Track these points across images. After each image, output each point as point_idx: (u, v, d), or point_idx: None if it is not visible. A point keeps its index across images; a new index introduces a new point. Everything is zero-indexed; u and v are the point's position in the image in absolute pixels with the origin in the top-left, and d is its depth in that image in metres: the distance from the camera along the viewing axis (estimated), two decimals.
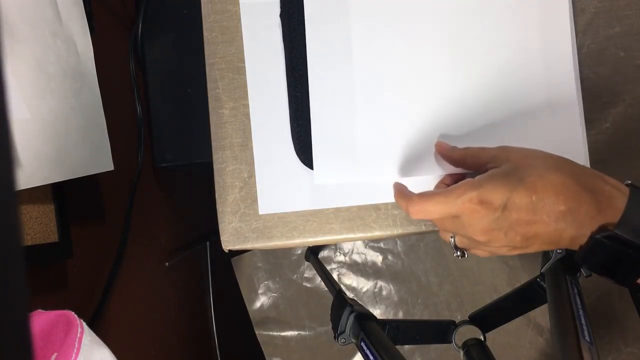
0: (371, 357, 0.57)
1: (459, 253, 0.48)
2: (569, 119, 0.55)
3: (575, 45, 0.56)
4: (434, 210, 0.43)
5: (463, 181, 0.43)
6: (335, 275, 1.24)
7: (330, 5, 0.56)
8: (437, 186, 0.53)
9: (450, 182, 0.51)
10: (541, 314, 1.19)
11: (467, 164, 0.48)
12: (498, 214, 0.40)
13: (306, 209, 0.57)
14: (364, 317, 0.64)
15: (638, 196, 0.39)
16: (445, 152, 0.51)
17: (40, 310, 0.47)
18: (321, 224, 0.57)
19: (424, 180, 0.56)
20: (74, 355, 0.42)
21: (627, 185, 0.40)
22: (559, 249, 0.63)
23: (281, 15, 0.57)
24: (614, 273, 0.40)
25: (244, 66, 0.57)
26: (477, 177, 0.42)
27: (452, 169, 0.53)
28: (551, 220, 0.39)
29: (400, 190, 0.46)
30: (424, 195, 0.43)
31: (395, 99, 0.56)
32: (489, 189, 0.40)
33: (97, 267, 0.76)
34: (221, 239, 0.57)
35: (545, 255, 0.65)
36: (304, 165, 0.57)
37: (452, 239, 0.47)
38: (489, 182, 0.41)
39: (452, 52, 0.56)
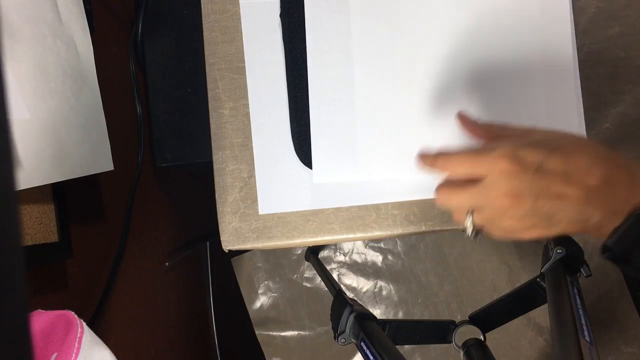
0: (371, 357, 0.57)
1: (473, 233, 0.45)
2: (565, 87, 0.54)
3: (572, 11, 0.56)
4: (462, 163, 0.41)
5: (492, 144, 0.41)
6: (335, 275, 1.24)
7: (330, 5, 0.56)
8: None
9: None
10: (541, 314, 1.19)
11: (494, 130, 0.45)
12: (530, 175, 0.38)
13: (306, 209, 0.57)
14: (364, 317, 0.64)
15: None
16: (471, 125, 0.47)
17: (40, 310, 0.47)
18: (321, 224, 0.57)
19: (424, 180, 0.56)
20: (74, 355, 0.42)
21: None
22: (559, 249, 0.63)
23: (281, 15, 0.57)
24: None
25: (244, 66, 0.57)
26: (512, 138, 0.41)
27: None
28: (582, 194, 0.38)
29: (422, 152, 0.44)
30: (452, 150, 0.42)
31: (395, 99, 0.56)
32: (524, 148, 0.39)
33: (97, 267, 0.76)
34: (221, 239, 0.57)
35: (545, 255, 0.65)
36: (304, 165, 0.57)
37: (470, 217, 0.44)
38: (525, 142, 0.39)
39: (452, 52, 0.56)
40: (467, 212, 0.44)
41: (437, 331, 0.71)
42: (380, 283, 1.24)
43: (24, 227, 0.57)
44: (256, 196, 0.57)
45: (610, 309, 1.19)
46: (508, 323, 0.69)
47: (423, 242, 1.24)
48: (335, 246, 1.25)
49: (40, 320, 0.45)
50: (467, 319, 0.70)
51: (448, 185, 0.44)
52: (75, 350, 0.42)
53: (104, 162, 0.65)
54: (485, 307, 0.70)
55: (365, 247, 1.25)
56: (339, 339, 0.63)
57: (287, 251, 1.25)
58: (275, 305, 1.25)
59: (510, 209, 0.39)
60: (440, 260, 1.23)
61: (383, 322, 0.67)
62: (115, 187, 0.81)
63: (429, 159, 0.43)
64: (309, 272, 1.25)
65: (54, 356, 0.42)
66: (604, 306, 1.19)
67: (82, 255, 0.69)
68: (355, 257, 1.25)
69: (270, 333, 1.25)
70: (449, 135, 0.55)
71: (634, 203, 0.37)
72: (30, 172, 0.52)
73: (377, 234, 0.57)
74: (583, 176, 0.38)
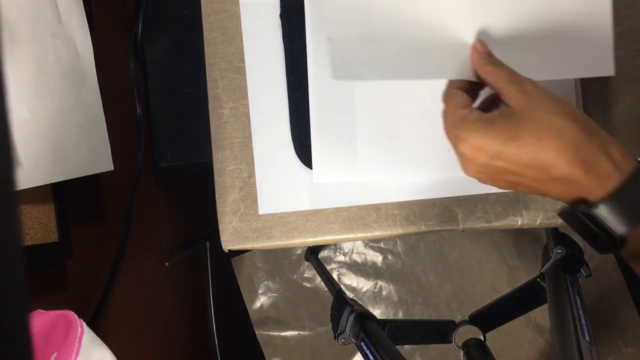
0: (371, 357, 0.57)
1: None
2: (600, 33, 0.49)
3: None
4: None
5: (467, 115, 0.42)
6: (335, 275, 1.24)
7: None
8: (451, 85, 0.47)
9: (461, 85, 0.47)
10: (541, 314, 1.19)
11: (488, 83, 0.45)
12: (485, 162, 0.40)
13: (306, 209, 0.57)
14: (364, 317, 0.64)
15: (635, 180, 0.37)
16: (479, 58, 0.46)
17: (40, 310, 0.47)
18: (321, 224, 0.57)
19: (424, 180, 0.56)
20: (74, 355, 0.42)
21: (636, 162, 0.39)
22: (559, 249, 0.63)
23: (281, 15, 0.57)
24: (591, 241, 0.40)
25: (244, 66, 0.57)
26: (479, 119, 0.41)
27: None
28: (537, 179, 0.40)
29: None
30: (446, 98, 0.45)
31: (395, 99, 0.56)
32: (481, 137, 0.40)
33: (97, 267, 0.76)
34: (221, 239, 0.57)
35: (545, 255, 0.65)
36: (304, 165, 0.57)
37: None
38: (485, 129, 0.40)
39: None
40: None
41: (437, 331, 0.71)
42: (380, 283, 1.24)
43: (24, 227, 0.57)
44: (256, 196, 0.57)
45: (610, 309, 1.19)
46: (508, 323, 0.69)
47: (423, 242, 1.24)
48: (335, 246, 1.25)
49: (40, 320, 0.45)
50: (467, 319, 0.70)
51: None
52: (75, 350, 0.42)
53: (104, 162, 0.65)
54: (485, 307, 0.71)
55: (365, 247, 1.25)
56: (339, 339, 0.63)
57: (287, 251, 1.25)
58: (275, 305, 1.25)
59: (475, 178, 0.43)
60: (440, 260, 1.23)
61: (383, 322, 0.67)
62: (115, 187, 0.81)
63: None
64: (309, 272, 1.25)
65: (54, 356, 0.42)
66: (604, 306, 1.19)
67: (82, 255, 0.69)
68: (355, 257, 1.25)
69: (270, 333, 1.25)
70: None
71: (586, 195, 0.38)
72: (30, 172, 0.52)
73: (377, 234, 0.57)
74: (539, 170, 0.39)
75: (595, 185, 0.38)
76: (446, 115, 0.44)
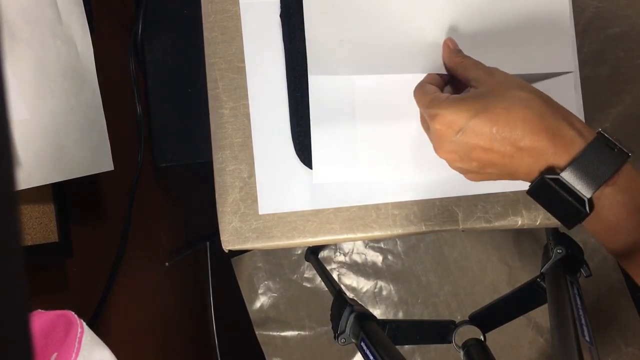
0: (371, 357, 0.57)
1: None
2: (560, 31, 0.54)
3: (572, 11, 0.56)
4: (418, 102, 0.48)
5: (438, 95, 0.45)
6: (335, 275, 1.24)
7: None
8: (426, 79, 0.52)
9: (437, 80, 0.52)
10: (541, 314, 1.19)
11: (458, 74, 0.49)
12: (455, 136, 0.42)
13: (306, 209, 0.57)
14: (364, 317, 0.64)
15: (597, 145, 0.39)
16: (449, 52, 0.51)
17: (40, 310, 0.47)
18: (321, 224, 0.57)
19: (424, 180, 0.56)
20: (74, 355, 0.42)
21: (598, 132, 0.41)
22: (559, 249, 0.63)
23: (281, 15, 0.57)
24: (559, 214, 0.42)
25: (244, 66, 0.57)
26: (449, 97, 0.44)
27: None
28: (506, 154, 0.41)
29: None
30: (418, 89, 0.49)
31: (395, 99, 0.56)
32: (453, 111, 0.42)
33: (97, 267, 0.76)
34: (221, 239, 0.57)
35: (546, 255, 0.65)
36: (304, 165, 0.57)
37: None
38: (455, 104, 0.42)
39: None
40: None
41: (437, 331, 0.71)
42: (380, 283, 1.24)
43: (24, 227, 0.57)
44: (256, 196, 0.57)
45: (610, 309, 1.19)
46: (508, 323, 0.69)
47: (423, 242, 1.24)
48: (335, 246, 1.25)
49: (40, 320, 0.45)
50: (467, 319, 0.70)
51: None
52: (75, 350, 0.42)
53: (104, 162, 0.65)
54: (485, 307, 0.71)
55: (365, 247, 1.25)
56: (339, 339, 0.63)
57: (287, 251, 1.25)
58: (275, 305, 1.25)
59: (445, 159, 0.45)
60: (440, 260, 1.23)
61: (383, 322, 0.67)
62: (115, 187, 0.81)
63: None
64: (309, 272, 1.25)
65: (54, 356, 0.42)
66: (604, 306, 1.19)
67: (82, 255, 0.69)
68: (355, 257, 1.25)
69: (270, 333, 1.25)
70: None
71: (552, 162, 0.40)
72: (30, 172, 0.52)
73: (377, 234, 0.57)
74: (507, 140, 0.40)
75: (561, 152, 0.40)
76: (419, 102, 0.48)
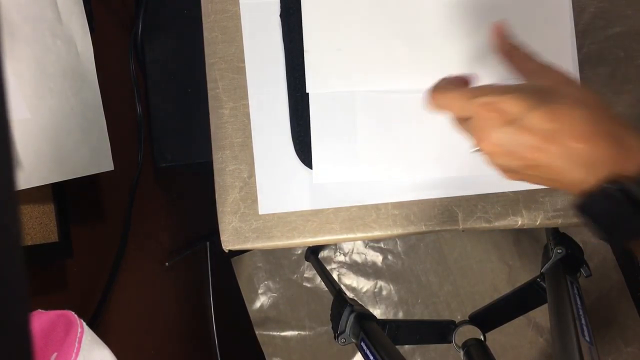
0: (371, 357, 0.57)
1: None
2: (560, 31, 0.54)
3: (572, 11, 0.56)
4: (452, 106, 0.41)
5: (487, 84, 0.40)
6: (335, 275, 1.24)
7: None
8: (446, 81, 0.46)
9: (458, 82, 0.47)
10: (541, 314, 1.19)
11: (512, 62, 0.44)
12: (508, 127, 0.37)
13: (306, 209, 0.57)
14: (364, 317, 0.64)
15: None
16: (503, 38, 0.45)
17: (40, 310, 0.47)
18: (321, 224, 0.57)
19: (424, 180, 0.56)
20: (74, 355, 0.42)
21: None
22: (559, 249, 0.63)
23: (281, 15, 0.57)
24: (609, 229, 0.37)
25: (244, 66, 0.57)
26: (504, 85, 0.39)
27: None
28: (560, 154, 0.36)
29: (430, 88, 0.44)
30: (445, 88, 0.42)
31: (395, 98, 0.56)
32: (509, 99, 0.37)
33: (97, 267, 0.76)
34: (221, 239, 0.57)
35: (546, 255, 0.65)
36: (304, 165, 0.57)
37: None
38: (513, 92, 0.38)
39: (454, 51, 0.56)
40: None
41: (437, 331, 0.71)
42: (380, 283, 1.24)
43: (24, 227, 0.57)
44: (256, 196, 0.57)
45: (610, 309, 1.19)
46: (508, 323, 0.69)
47: (423, 242, 1.24)
48: (335, 246, 1.25)
49: (40, 320, 0.45)
50: (467, 319, 0.70)
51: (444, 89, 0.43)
52: (75, 350, 0.42)
53: (104, 162, 0.65)
54: (485, 307, 0.71)
55: (365, 247, 1.25)
56: (339, 339, 0.63)
57: (287, 251, 1.25)
58: (275, 305, 1.25)
59: (488, 152, 0.40)
60: (440, 260, 1.23)
61: (383, 322, 0.67)
62: (115, 187, 0.81)
63: (428, 93, 0.43)
64: (309, 272, 1.25)
65: (54, 356, 0.42)
66: (604, 306, 1.19)
67: (82, 255, 0.69)
68: (355, 257, 1.25)
69: (270, 333, 1.25)
70: (449, 134, 0.55)
71: (612, 171, 0.36)
72: (30, 172, 0.52)
73: (377, 234, 0.57)
74: (565, 138, 0.36)
75: (623, 160, 0.35)
76: (456, 94, 0.41)
